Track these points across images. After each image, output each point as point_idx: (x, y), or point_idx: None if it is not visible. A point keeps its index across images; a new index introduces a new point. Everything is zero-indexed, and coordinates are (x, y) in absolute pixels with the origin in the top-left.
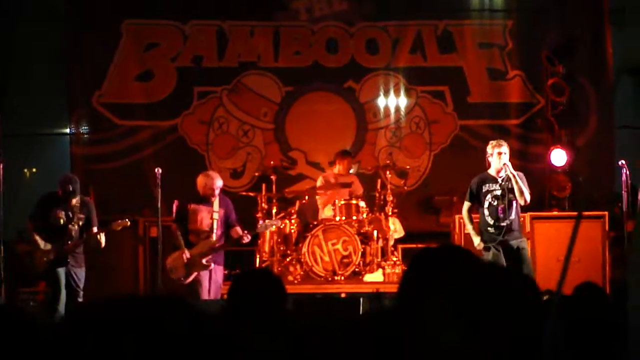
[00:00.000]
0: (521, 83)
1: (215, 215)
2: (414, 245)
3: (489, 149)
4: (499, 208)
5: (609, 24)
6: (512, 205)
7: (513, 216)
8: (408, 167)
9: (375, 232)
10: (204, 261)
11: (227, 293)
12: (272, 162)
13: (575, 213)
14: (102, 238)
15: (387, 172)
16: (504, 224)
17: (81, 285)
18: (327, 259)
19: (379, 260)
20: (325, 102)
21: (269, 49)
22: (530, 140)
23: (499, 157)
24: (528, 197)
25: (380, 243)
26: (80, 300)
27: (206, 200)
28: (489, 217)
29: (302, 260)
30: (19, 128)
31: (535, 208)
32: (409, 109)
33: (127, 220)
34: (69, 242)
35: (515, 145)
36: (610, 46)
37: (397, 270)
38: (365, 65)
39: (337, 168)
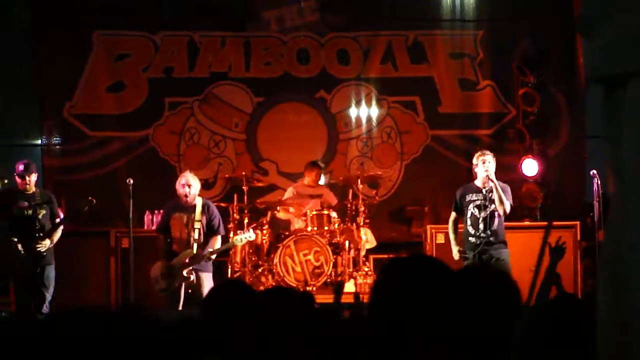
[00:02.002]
0: (492, 93)
1: (197, 224)
2: (385, 256)
3: (474, 160)
4: (480, 218)
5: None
6: (494, 216)
7: (495, 227)
8: (380, 175)
9: (347, 243)
10: (184, 273)
11: (201, 305)
12: (243, 173)
13: (546, 223)
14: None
15: (359, 183)
16: (484, 234)
17: (51, 288)
18: (298, 269)
19: (351, 270)
20: (297, 113)
21: (239, 60)
22: (502, 150)
23: (482, 166)
24: (508, 208)
25: (352, 253)
26: (45, 308)
27: (187, 207)
28: (471, 227)
29: (274, 270)
30: None
31: (506, 218)
32: (380, 119)
33: (91, 198)
34: (41, 233)
35: None
36: (582, 55)
37: (368, 281)
38: (337, 76)
39: (307, 179)
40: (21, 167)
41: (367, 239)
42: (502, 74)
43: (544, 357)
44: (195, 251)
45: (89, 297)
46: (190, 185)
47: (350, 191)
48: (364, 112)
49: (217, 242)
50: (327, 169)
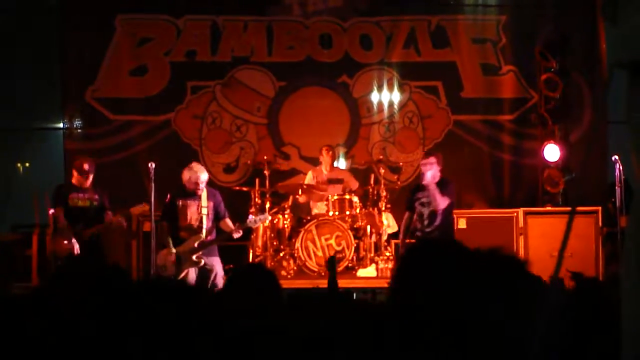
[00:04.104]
0: (514, 78)
1: (204, 211)
2: (407, 241)
3: (421, 163)
4: (425, 215)
5: (602, 18)
6: (437, 213)
7: (438, 222)
8: (401, 162)
9: (368, 227)
10: (194, 257)
11: (223, 288)
12: (265, 157)
13: (569, 208)
14: (124, 221)
15: (381, 168)
16: (429, 229)
17: None
18: (320, 254)
19: (372, 255)
20: (319, 97)
21: (262, 44)
22: (524, 136)
23: (424, 169)
24: (441, 205)
25: (374, 238)
26: None
27: (194, 194)
28: (418, 222)
29: (296, 255)
30: (12, 123)
31: (528, 203)
32: (402, 104)
33: (145, 204)
34: (92, 225)
35: (509, 141)
36: (604, 41)
37: (390, 265)
38: (359, 60)
39: (324, 165)
40: (87, 166)
41: (389, 223)
42: (524, 59)
43: (567, 345)
44: (204, 236)
45: None
46: (204, 181)
47: (372, 176)
48: (386, 96)
49: (230, 224)
50: (349, 154)
